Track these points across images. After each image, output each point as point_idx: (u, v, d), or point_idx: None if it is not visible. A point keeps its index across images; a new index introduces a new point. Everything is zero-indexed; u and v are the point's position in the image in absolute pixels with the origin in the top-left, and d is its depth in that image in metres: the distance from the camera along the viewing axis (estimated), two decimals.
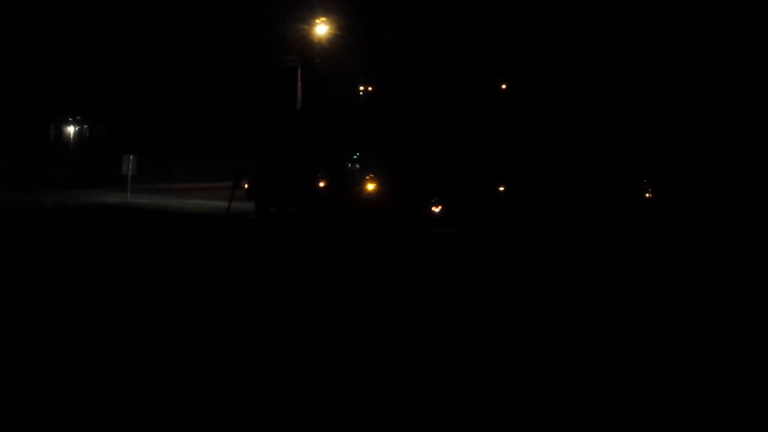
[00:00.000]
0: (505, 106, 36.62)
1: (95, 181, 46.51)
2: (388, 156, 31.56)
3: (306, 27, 37.15)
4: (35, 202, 36.49)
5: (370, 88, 38.83)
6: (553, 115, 36.28)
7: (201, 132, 49.23)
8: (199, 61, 49.41)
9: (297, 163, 31.28)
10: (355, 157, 33.22)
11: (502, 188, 31.71)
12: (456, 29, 35.37)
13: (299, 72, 39.53)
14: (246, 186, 31.53)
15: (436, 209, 28.04)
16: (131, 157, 39.90)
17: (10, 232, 25.28)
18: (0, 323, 12.20)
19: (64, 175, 48.10)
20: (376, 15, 38.12)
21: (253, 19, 43.47)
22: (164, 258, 20.06)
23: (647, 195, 34.65)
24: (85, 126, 54.61)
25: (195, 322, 12.62)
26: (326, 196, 29.37)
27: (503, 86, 37.58)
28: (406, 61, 34.01)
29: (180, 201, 38.93)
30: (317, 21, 36.98)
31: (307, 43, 37.31)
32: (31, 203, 35.67)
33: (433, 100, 33.68)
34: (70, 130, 54.61)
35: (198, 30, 48.62)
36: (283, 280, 16.73)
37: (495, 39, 35.42)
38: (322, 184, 29.66)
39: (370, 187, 28.88)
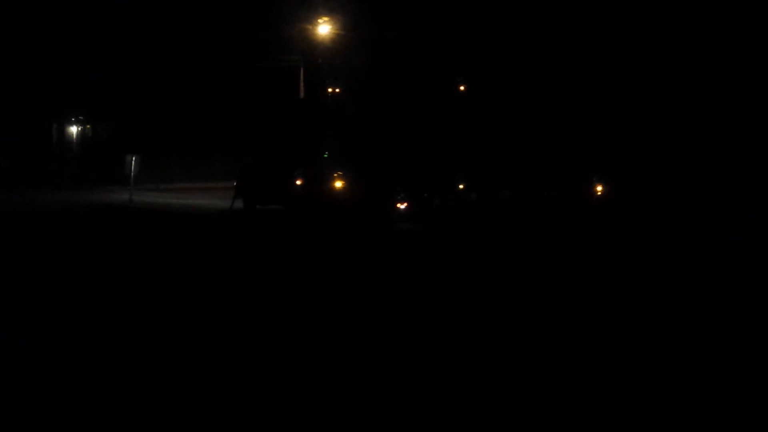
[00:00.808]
0: (466, 107, 37.18)
1: (98, 181, 46.57)
2: (356, 154, 32.85)
3: (309, 27, 37.20)
4: (36, 201, 36.59)
5: (338, 90, 39.59)
6: (514, 115, 36.68)
7: (204, 132, 49.25)
8: (202, 61, 49.46)
9: (279, 162, 32.62)
10: (325, 155, 34.56)
11: (461, 186, 32.72)
12: (419, 30, 35.84)
13: (302, 71, 39.58)
14: (235, 184, 33.15)
15: (402, 206, 29.01)
16: (134, 157, 39.98)
17: (15, 231, 25.42)
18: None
19: (67, 174, 48.13)
20: (379, 15, 38.31)
21: (256, 20, 43.54)
22: (161, 254, 20.43)
23: (598, 191, 34.91)
24: (88, 126, 54.61)
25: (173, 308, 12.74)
26: (303, 193, 30.57)
27: (461, 88, 38.20)
28: (373, 61, 34.66)
29: (182, 201, 38.99)
30: (320, 21, 37.02)
31: (309, 42, 37.36)
32: (34, 203, 35.78)
33: (400, 101, 34.27)
34: (73, 129, 54.61)
35: (201, 30, 48.67)
36: (260, 279, 16.89)
37: (455, 39, 35.90)
38: (299, 182, 30.96)
39: (338, 184, 30.11)
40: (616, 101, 38.20)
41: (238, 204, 32.26)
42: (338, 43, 37.66)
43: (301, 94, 40.08)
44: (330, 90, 40.47)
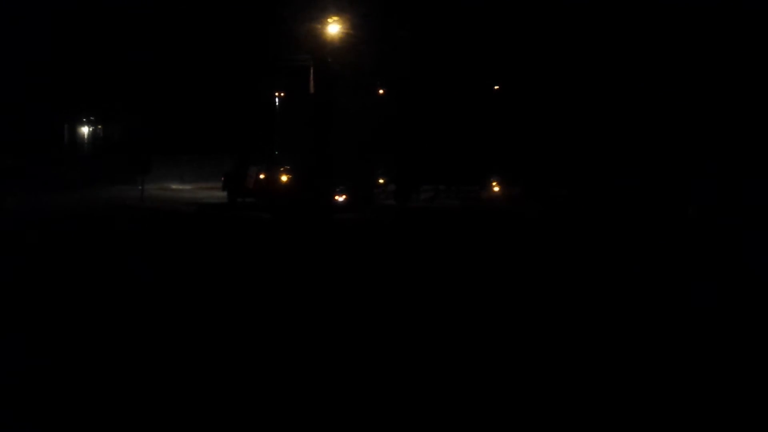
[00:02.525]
0: (385, 109, 39.69)
1: (109, 181, 46.79)
2: (298, 152, 37.21)
3: (318, 26, 37.35)
4: (48, 202, 36.84)
5: (282, 94, 42.08)
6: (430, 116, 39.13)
7: (214, 131, 49.45)
8: (212, 61, 49.65)
9: (251, 160, 37.23)
10: (276, 153, 39.66)
11: (381, 180, 36.67)
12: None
13: (311, 71, 39.79)
14: (222, 179, 38.37)
15: (340, 198, 32.84)
16: (144, 157, 40.34)
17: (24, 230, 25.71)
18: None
19: (78, 175, 48.34)
20: (389, 14, 38.69)
21: (266, 19, 43.74)
22: (162, 247, 21.64)
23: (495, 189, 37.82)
24: (99, 126, 54.84)
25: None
26: (265, 187, 34.86)
27: (381, 91, 40.52)
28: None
29: (191, 201, 39.33)
30: (329, 20, 37.20)
31: (319, 42, 37.53)
32: (46, 204, 36.05)
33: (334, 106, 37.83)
34: (84, 130, 54.86)
35: (210, 30, 48.87)
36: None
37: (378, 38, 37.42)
38: (262, 177, 35.41)
39: (284, 179, 34.28)
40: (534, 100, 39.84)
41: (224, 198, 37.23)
42: (347, 41, 37.96)
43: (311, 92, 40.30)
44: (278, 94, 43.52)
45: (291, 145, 39.01)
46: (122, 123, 53.60)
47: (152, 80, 50.39)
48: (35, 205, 34.34)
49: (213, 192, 42.47)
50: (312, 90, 39.95)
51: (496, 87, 41.48)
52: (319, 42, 37.43)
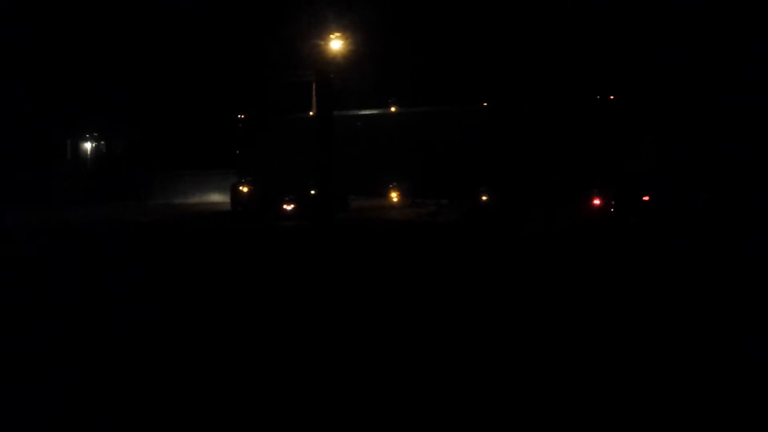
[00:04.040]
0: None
1: (112, 197, 46.85)
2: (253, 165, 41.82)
3: (321, 43, 37.51)
4: (52, 219, 36.94)
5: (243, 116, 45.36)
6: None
7: (217, 147, 49.54)
8: (214, 77, 49.82)
9: (247, 174, 41.18)
10: (242, 165, 43.80)
11: (313, 192, 38.37)
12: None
13: (314, 87, 39.97)
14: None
15: (288, 207, 36.17)
16: (147, 173, 40.52)
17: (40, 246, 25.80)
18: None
19: (81, 191, 48.40)
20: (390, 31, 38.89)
21: (268, 36, 43.96)
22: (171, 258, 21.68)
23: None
24: (102, 142, 54.90)
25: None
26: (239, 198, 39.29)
27: (310, 114, 42.32)
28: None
29: (195, 217, 39.43)
30: (332, 36, 37.43)
31: (321, 58, 37.66)
32: (51, 220, 36.14)
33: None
34: (87, 146, 54.93)
35: (213, 47, 49.06)
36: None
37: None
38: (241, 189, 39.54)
39: (244, 190, 38.83)
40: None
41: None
42: (350, 59, 38.18)
43: (313, 110, 40.45)
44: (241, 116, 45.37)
45: (256, 158, 43.06)
46: (125, 139, 53.71)
47: (155, 97, 50.49)
48: (35, 222, 34.42)
49: (217, 206, 42.70)
50: (314, 106, 40.10)
51: (393, 109, 43.29)
52: (321, 58, 37.53)
